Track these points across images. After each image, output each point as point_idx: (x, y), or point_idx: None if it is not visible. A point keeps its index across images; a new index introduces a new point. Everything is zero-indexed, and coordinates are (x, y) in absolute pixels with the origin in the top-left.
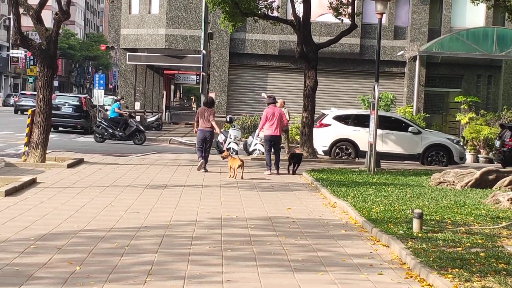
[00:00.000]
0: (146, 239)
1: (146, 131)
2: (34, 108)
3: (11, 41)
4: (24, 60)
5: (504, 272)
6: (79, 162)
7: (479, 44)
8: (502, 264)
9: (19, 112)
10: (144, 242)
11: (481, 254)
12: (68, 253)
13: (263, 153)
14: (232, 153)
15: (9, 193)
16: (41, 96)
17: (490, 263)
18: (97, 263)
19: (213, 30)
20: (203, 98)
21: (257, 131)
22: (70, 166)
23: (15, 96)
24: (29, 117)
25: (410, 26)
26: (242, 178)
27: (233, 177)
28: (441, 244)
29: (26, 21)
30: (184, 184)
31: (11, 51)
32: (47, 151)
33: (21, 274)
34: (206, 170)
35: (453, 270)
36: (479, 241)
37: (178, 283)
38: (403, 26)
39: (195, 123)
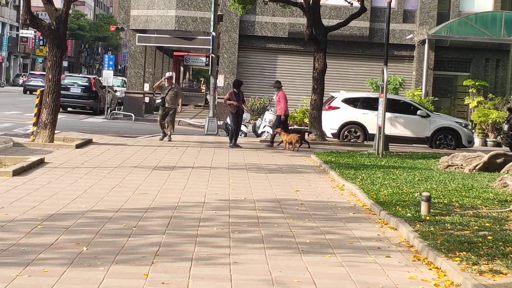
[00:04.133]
0: (153, 220)
1: (155, 112)
2: (43, 88)
3: (20, 21)
4: (33, 40)
5: None
6: (88, 142)
7: (487, 28)
8: (510, 248)
9: (28, 92)
10: (152, 223)
11: (489, 237)
12: (75, 233)
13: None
14: (240, 135)
15: (17, 173)
16: (50, 76)
17: (498, 246)
18: (104, 244)
19: (223, 12)
20: (212, 80)
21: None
22: (78, 146)
23: (24, 76)
24: (37, 97)
25: (419, 10)
26: (298, 150)
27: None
28: (448, 227)
29: (36, 1)
30: (192, 165)
31: (20, 31)
32: (56, 131)
33: (27, 254)
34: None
35: (461, 253)
36: (487, 224)
37: (185, 264)
38: (412, 9)
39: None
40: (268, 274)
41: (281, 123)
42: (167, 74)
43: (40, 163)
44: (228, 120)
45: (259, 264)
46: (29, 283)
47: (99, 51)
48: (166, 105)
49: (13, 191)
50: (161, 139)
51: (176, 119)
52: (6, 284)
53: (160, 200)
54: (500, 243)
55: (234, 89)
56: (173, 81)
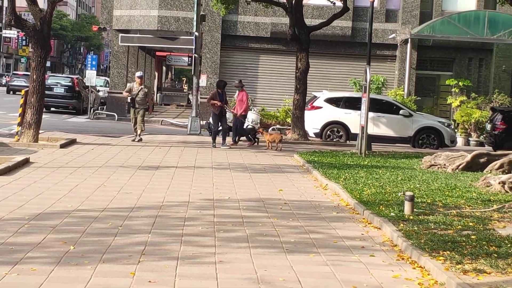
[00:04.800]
0: (139, 220)
1: None
2: (27, 89)
3: (3, 22)
4: (16, 40)
5: (495, 255)
6: (72, 142)
7: (470, 28)
8: (493, 247)
9: (11, 92)
10: (137, 222)
11: (472, 236)
12: (62, 232)
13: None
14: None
15: (3, 172)
16: (34, 77)
17: (481, 245)
18: (91, 243)
19: (206, 12)
20: (195, 80)
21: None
22: (62, 146)
23: (7, 76)
24: (22, 97)
25: (402, 9)
26: (280, 150)
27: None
28: (432, 227)
29: (19, 2)
30: (176, 165)
31: (3, 31)
32: (40, 131)
33: (16, 252)
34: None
35: (445, 252)
36: (470, 224)
37: (171, 263)
38: (394, 9)
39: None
40: (253, 273)
41: (242, 123)
42: (137, 74)
43: (25, 163)
44: (211, 120)
45: (244, 263)
46: (18, 281)
47: (81, 51)
48: (136, 105)
49: None
50: (133, 140)
51: (158, 118)
52: None
53: (145, 200)
54: (484, 242)
55: (218, 90)
56: (144, 80)
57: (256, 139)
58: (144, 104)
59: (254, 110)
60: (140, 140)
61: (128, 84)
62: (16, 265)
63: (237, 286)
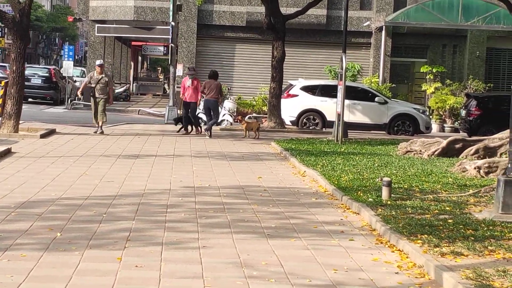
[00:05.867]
0: (122, 207)
1: (114, 102)
2: (7, 80)
3: None
4: None
5: (472, 238)
6: (51, 132)
7: (444, 14)
8: (470, 230)
9: None
10: (121, 210)
11: (449, 220)
12: (48, 220)
13: (231, 123)
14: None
15: None
16: (14, 68)
17: (458, 229)
18: (77, 230)
19: (181, 2)
20: (172, 69)
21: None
22: (42, 136)
23: None
24: (2, 88)
25: None
26: (258, 138)
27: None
28: (410, 211)
29: None
30: (155, 154)
31: None
32: (19, 122)
33: (4, 239)
34: (210, 136)
35: (422, 236)
36: (447, 208)
37: (156, 248)
38: None
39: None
40: (236, 257)
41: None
42: (97, 62)
43: (7, 153)
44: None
45: (227, 248)
46: (10, 266)
47: (57, 41)
48: (96, 94)
49: None
50: (95, 132)
51: (135, 108)
52: None
53: (126, 188)
54: (461, 226)
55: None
56: (104, 69)
57: (199, 127)
58: (104, 93)
59: (230, 98)
60: (102, 133)
61: (89, 74)
62: (6, 251)
63: (222, 270)
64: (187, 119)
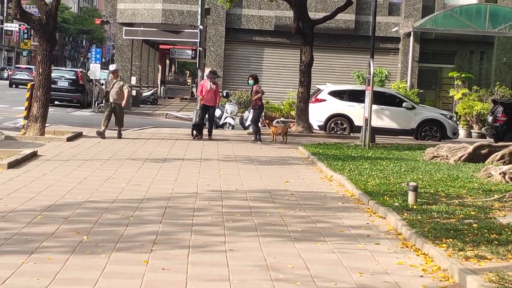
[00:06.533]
0: (149, 210)
1: (142, 105)
2: (33, 82)
3: (5, 14)
4: (18, 34)
5: (496, 242)
6: (78, 135)
7: (472, 21)
8: (494, 235)
9: (14, 86)
10: (148, 213)
11: (474, 225)
12: (74, 223)
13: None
14: (228, 127)
15: (12, 165)
16: (40, 70)
17: (483, 233)
18: (104, 233)
19: (210, 5)
20: (199, 73)
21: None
22: (69, 139)
23: (9, 70)
24: (28, 91)
25: (405, 3)
26: (285, 143)
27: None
28: (435, 216)
29: None
30: (183, 157)
31: (5, 24)
32: (46, 125)
33: (31, 242)
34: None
35: (447, 240)
36: (472, 213)
37: (183, 251)
38: (397, 2)
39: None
40: (263, 261)
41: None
42: (111, 68)
43: (33, 155)
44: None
45: (254, 251)
46: (35, 269)
47: (83, 44)
48: (111, 99)
49: (9, 183)
50: (97, 133)
51: (162, 112)
52: (13, 270)
53: (153, 191)
54: (485, 230)
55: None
56: (119, 74)
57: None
58: (120, 99)
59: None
60: (120, 137)
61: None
62: (32, 254)
63: (248, 272)
64: (201, 123)
